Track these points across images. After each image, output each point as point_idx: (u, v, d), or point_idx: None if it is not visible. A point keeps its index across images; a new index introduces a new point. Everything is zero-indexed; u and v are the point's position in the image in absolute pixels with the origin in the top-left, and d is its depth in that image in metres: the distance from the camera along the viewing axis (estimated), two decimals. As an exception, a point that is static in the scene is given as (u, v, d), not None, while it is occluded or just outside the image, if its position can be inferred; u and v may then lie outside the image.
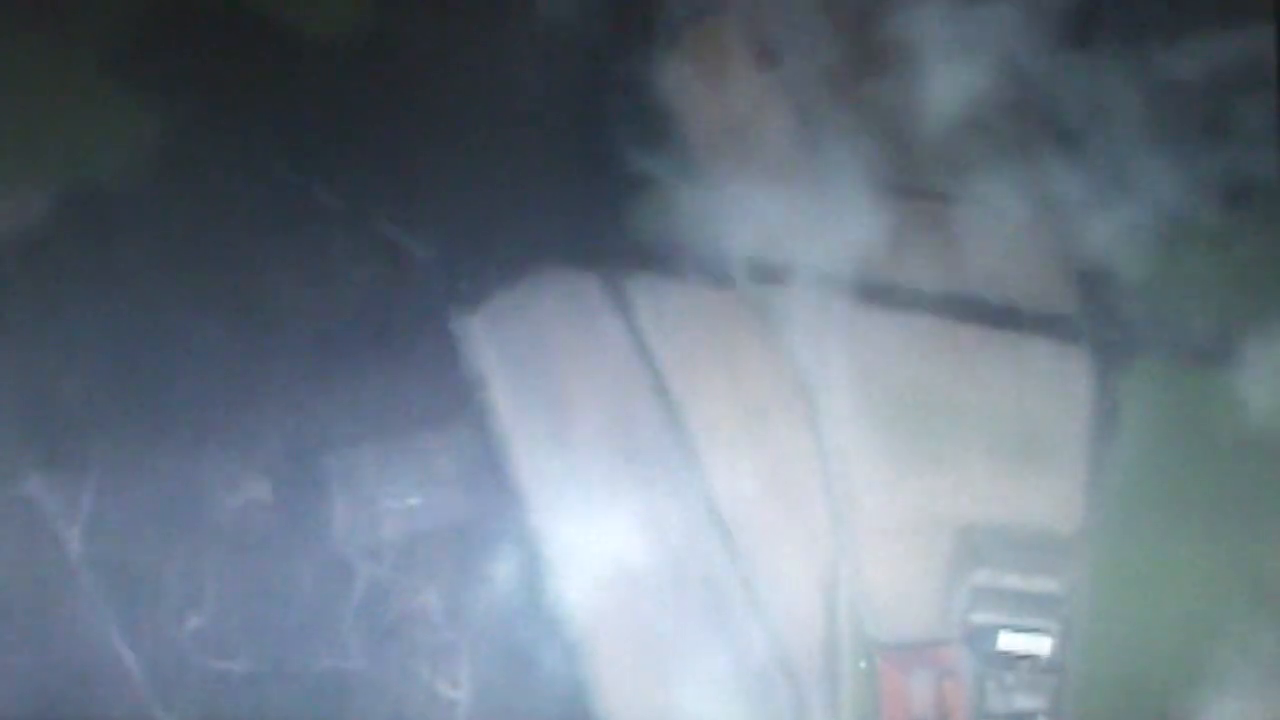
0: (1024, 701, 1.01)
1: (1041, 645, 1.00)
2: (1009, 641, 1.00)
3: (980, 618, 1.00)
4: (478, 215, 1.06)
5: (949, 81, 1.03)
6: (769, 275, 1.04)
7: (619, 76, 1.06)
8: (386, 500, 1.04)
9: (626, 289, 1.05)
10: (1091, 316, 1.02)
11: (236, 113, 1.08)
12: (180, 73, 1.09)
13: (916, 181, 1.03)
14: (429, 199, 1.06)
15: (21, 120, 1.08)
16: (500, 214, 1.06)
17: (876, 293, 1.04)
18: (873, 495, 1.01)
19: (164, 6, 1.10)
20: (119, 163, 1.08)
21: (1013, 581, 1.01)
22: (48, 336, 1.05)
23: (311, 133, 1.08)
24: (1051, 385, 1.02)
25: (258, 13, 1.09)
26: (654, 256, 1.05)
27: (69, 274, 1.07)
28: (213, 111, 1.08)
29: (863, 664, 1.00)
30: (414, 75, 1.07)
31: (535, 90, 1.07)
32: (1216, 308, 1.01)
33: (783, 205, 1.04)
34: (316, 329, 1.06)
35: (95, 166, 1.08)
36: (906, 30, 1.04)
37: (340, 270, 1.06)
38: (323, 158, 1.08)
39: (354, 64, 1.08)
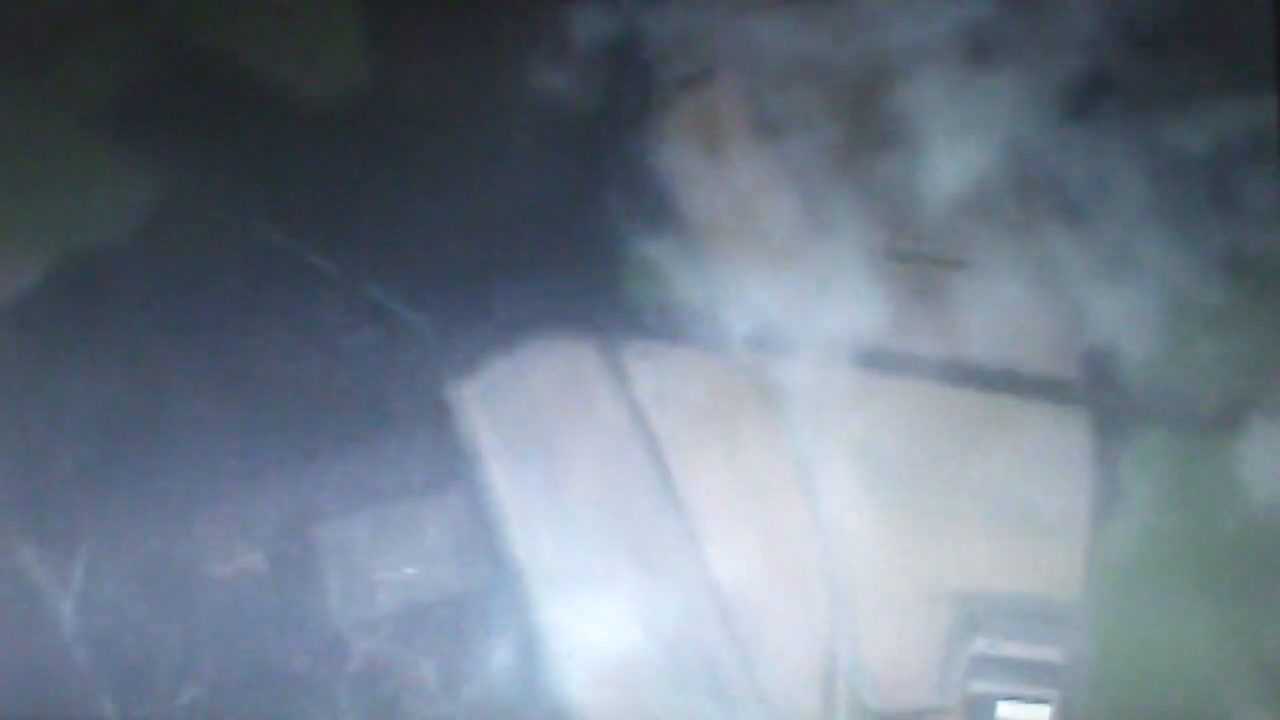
0: (1024, 771, 1.00)
1: (1041, 715, 1.00)
2: (1008, 711, 1.00)
3: (979, 687, 1.00)
4: (472, 282, 1.05)
5: (951, 157, 1.01)
6: (768, 345, 1.03)
7: (614, 144, 1.05)
8: (381, 572, 1.03)
9: (623, 358, 1.04)
10: (1093, 385, 1.01)
11: (227, 175, 1.07)
12: (171, 134, 1.07)
13: (918, 253, 1.01)
14: (423, 265, 1.05)
15: (9, 185, 1.06)
16: (495, 281, 1.05)
17: (876, 362, 1.02)
18: (871, 566, 1.00)
19: (154, 67, 1.08)
20: (109, 229, 1.06)
21: (1012, 651, 1.00)
22: (38, 406, 1.04)
23: (303, 196, 1.06)
24: (1052, 454, 1.01)
25: (250, 74, 1.08)
26: (651, 325, 1.04)
27: (59, 344, 1.05)
28: (203, 174, 1.07)
29: (862, 736, 1.00)
30: (408, 139, 1.06)
31: (531, 157, 1.05)
32: (1221, 384, 1.00)
33: (782, 276, 1.03)
34: (308, 397, 1.04)
35: (85, 233, 1.06)
36: (908, 107, 1.02)
37: (333, 337, 1.05)
38: (315, 221, 1.06)
39: (347, 127, 1.07)
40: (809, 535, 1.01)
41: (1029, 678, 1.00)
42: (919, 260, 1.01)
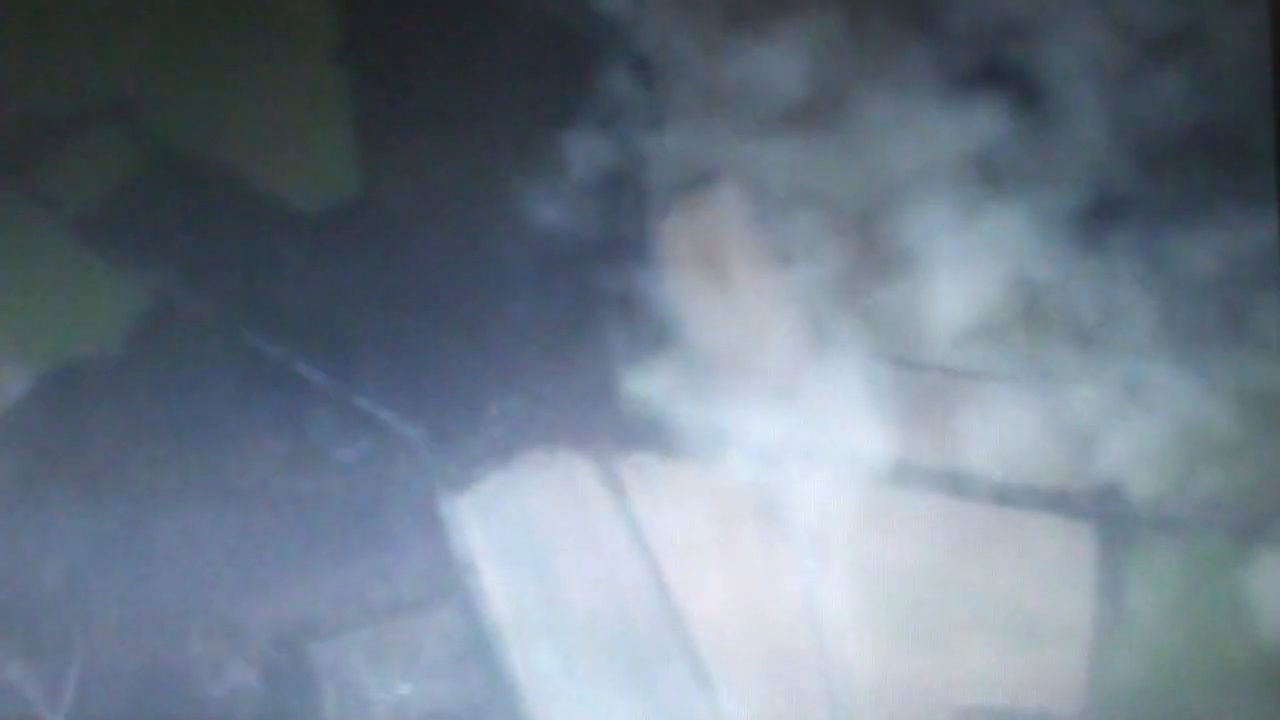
0: None
1: (1042, 829, 0.99)
2: (1009, 825, 0.99)
3: (981, 801, 0.99)
4: (467, 394, 1.04)
5: (957, 283, 1.00)
6: (769, 459, 1.01)
7: (613, 270, 1.03)
8: (375, 689, 1.02)
9: (620, 471, 1.02)
10: (1099, 500, 1.00)
11: (218, 283, 1.05)
12: (161, 241, 1.06)
13: (923, 372, 1.00)
14: (417, 376, 1.04)
15: (-4, 294, 1.06)
16: (490, 393, 1.03)
17: (880, 476, 1.01)
18: (873, 682, 0.99)
19: (144, 172, 1.07)
20: (98, 337, 1.05)
21: (1014, 765, 0.99)
22: (27, 519, 1.03)
23: (295, 305, 1.05)
24: (1057, 567, 1.00)
25: (241, 181, 1.06)
26: (649, 439, 1.02)
27: (49, 453, 1.04)
28: (194, 281, 1.06)
29: None
30: (400, 250, 1.05)
31: (526, 273, 1.04)
32: (1228, 512, 0.99)
33: (785, 396, 1.02)
34: (301, 510, 1.03)
35: (74, 341, 1.05)
36: (914, 232, 1.00)
37: (326, 448, 1.04)
38: (306, 331, 1.05)
39: (339, 237, 1.05)
40: (811, 652, 1.00)
41: (1031, 792, 0.99)
42: (924, 377, 0.99)
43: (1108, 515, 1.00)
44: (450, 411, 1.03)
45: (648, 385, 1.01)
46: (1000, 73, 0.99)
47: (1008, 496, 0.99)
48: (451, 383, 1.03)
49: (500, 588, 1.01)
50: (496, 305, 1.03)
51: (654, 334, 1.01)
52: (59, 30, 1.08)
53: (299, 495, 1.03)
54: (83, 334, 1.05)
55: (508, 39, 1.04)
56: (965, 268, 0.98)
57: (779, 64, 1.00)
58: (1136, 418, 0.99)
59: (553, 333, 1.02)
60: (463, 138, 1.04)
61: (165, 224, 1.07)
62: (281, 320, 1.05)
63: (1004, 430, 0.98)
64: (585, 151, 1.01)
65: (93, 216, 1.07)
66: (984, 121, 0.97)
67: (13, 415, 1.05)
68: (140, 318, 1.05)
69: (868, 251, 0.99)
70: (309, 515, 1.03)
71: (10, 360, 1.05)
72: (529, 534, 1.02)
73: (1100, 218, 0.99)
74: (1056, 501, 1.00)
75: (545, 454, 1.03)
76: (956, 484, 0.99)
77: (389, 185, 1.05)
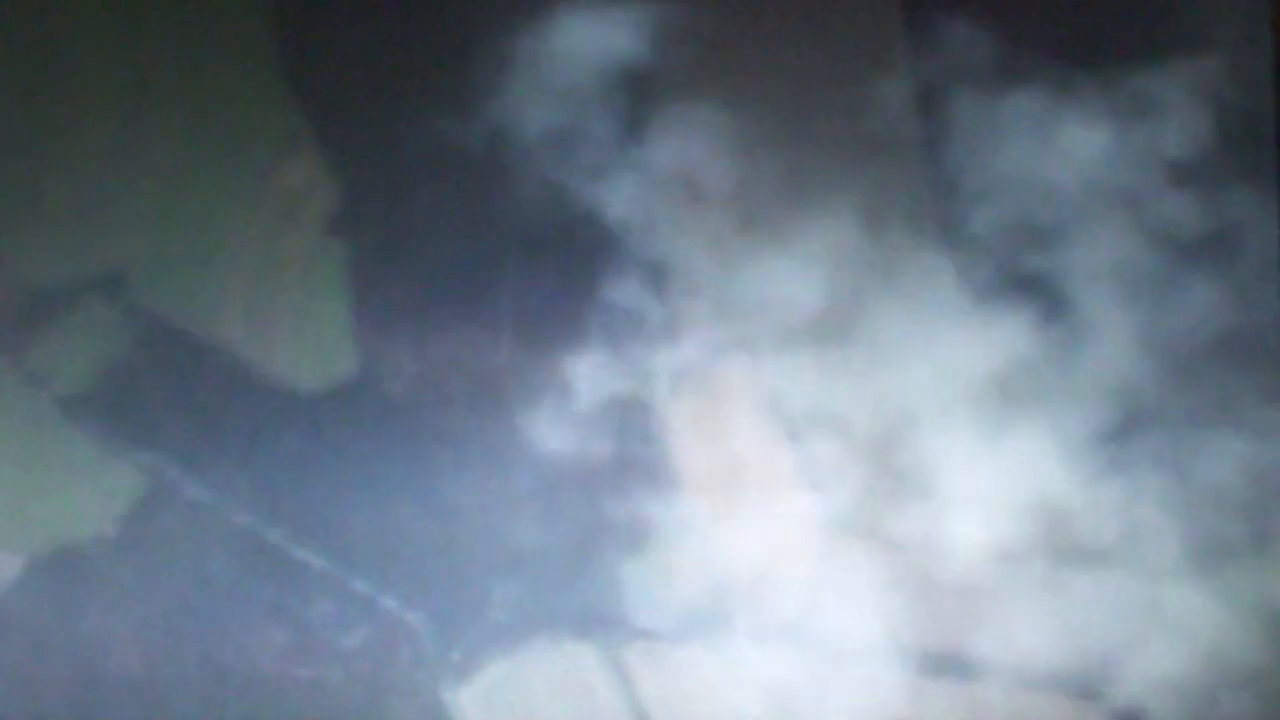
0: None
1: None
2: None
3: None
4: (469, 580, 1.02)
5: (976, 512, 0.99)
6: (777, 642, 1.01)
7: (618, 491, 1.02)
8: None
9: (626, 660, 1.01)
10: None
11: (213, 466, 1.03)
12: (154, 422, 1.04)
13: (939, 603, 1.00)
14: (418, 561, 1.02)
15: (-15, 480, 1.03)
16: (493, 578, 1.02)
17: (892, 662, 1.01)
18: None
19: (135, 351, 1.05)
20: (90, 520, 1.03)
21: None
22: (20, 711, 1.01)
23: (293, 488, 1.03)
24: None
25: (236, 362, 1.04)
26: (654, 625, 1.01)
27: (40, 640, 1.02)
28: (188, 464, 1.03)
29: None
30: (400, 433, 1.03)
31: (527, 451, 1.03)
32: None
33: (800, 616, 1.01)
34: (301, 698, 1.02)
35: (65, 524, 1.03)
36: (932, 460, 1.00)
37: (324, 635, 1.02)
38: (305, 515, 1.03)
39: (338, 419, 1.04)
40: None
41: None
42: (941, 599, 0.98)
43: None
44: (453, 598, 1.02)
45: (657, 606, 1.00)
46: (1022, 283, 0.98)
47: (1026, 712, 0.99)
48: (454, 569, 1.02)
49: (504, 779, 1.00)
50: (500, 494, 1.02)
51: (663, 562, 1.00)
52: (50, 199, 1.06)
53: (298, 684, 1.02)
54: (74, 517, 1.03)
55: (512, 229, 1.03)
56: (984, 490, 0.98)
57: (794, 274, 0.98)
58: (1158, 642, 0.98)
59: (553, 507, 1.01)
60: (464, 327, 1.03)
61: (159, 403, 1.04)
62: (279, 504, 1.03)
63: (1022, 655, 0.98)
64: (592, 371, 1.00)
65: (83, 394, 1.04)
66: (1005, 337, 0.97)
67: (3, 600, 1.02)
68: (134, 500, 1.03)
69: (885, 473, 0.98)
70: (308, 704, 1.02)
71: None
72: (533, 723, 1.01)
73: (1123, 435, 0.98)
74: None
75: (550, 642, 1.01)
76: (972, 709, 0.99)
77: (389, 368, 1.03)
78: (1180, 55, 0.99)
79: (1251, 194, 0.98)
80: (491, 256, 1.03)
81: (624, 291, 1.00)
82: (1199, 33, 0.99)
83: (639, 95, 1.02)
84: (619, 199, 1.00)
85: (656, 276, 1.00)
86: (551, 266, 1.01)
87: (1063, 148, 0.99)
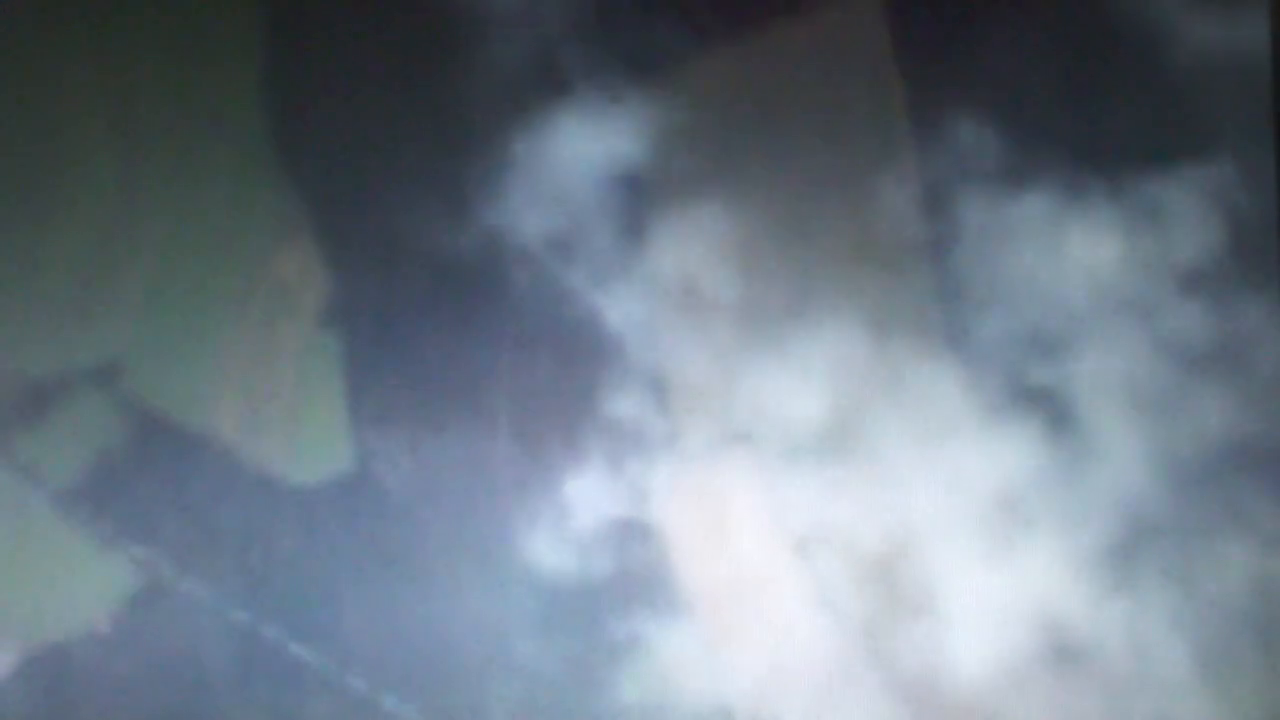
0: None
1: None
2: None
3: None
4: (467, 680, 1.01)
5: (981, 632, 0.98)
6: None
7: (620, 615, 1.01)
8: None
9: (624, 763, 1.01)
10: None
11: (208, 561, 1.02)
12: (148, 516, 1.03)
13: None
14: (416, 660, 1.01)
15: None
16: (490, 675, 1.01)
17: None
18: None
19: (129, 443, 1.03)
20: (84, 615, 1.02)
21: None
22: (13, 809, 1.01)
23: (288, 584, 1.02)
24: None
25: (230, 455, 1.03)
26: (648, 716, 1.00)
27: (32, 739, 1.01)
28: (182, 559, 1.02)
29: None
30: (398, 528, 1.02)
31: (525, 555, 1.02)
32: None
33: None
34: (297, 799, 1.01)
35: (59, 619, 1.02)
36: (938, 579, 0.98)
37: (321, 733, 1.02)
38: (301, 612, 1.02)
39: (334, 514, 1.02)
40: None
41: None
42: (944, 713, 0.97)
43: None
44: (451, 698, 1.01)
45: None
46: (1029, 395, 0.97)
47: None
48: (452, 668, 1.01)
49: None
50: (498, 589, 1.01)
51: (664, 676, 0.99)
52: (41, 289, 1.04)
53: (294, 783, 1.01)
54: (67, 613, 1.02)
55: (508, 334, 1.01)
56: (990, 606, 0.96)
57: (797, 385, 0.97)
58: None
59: (551, 603, 1.00)
60: (461, 425, 1.01)
61: (152, 496, 1.03)
62: (275, 600, 1.02)
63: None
64: (591, 487, 0.98)
65: (76, 487, 1.03)
66: (1012, 451, 0.95)
67: (-4, 698, 1.02)
68: (127, 596, 1.02)
69: (890, 589, 0.97)
70: (305, 805, 1.01)
71: (-10, 641, 1.02)
72: (531, 822, 1.00)
73: (1131, 550, 0.97)
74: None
75: (547, 743, 1.01)
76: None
77: (385, 464, 1.02)
78: (1190, 160, 0.97)
79: (1262, 302, 0.96)
80: (488, 357, 1.02)
81: (623, 402, 0.98)
82: (1208, 137, 0.97)
83: (639, 198, 1.00)
84: (618, 305, 0.98)
85: (656, 386, 0.99)
86: (549, 375, 1.00)
87: (1071, 255, 0.97)
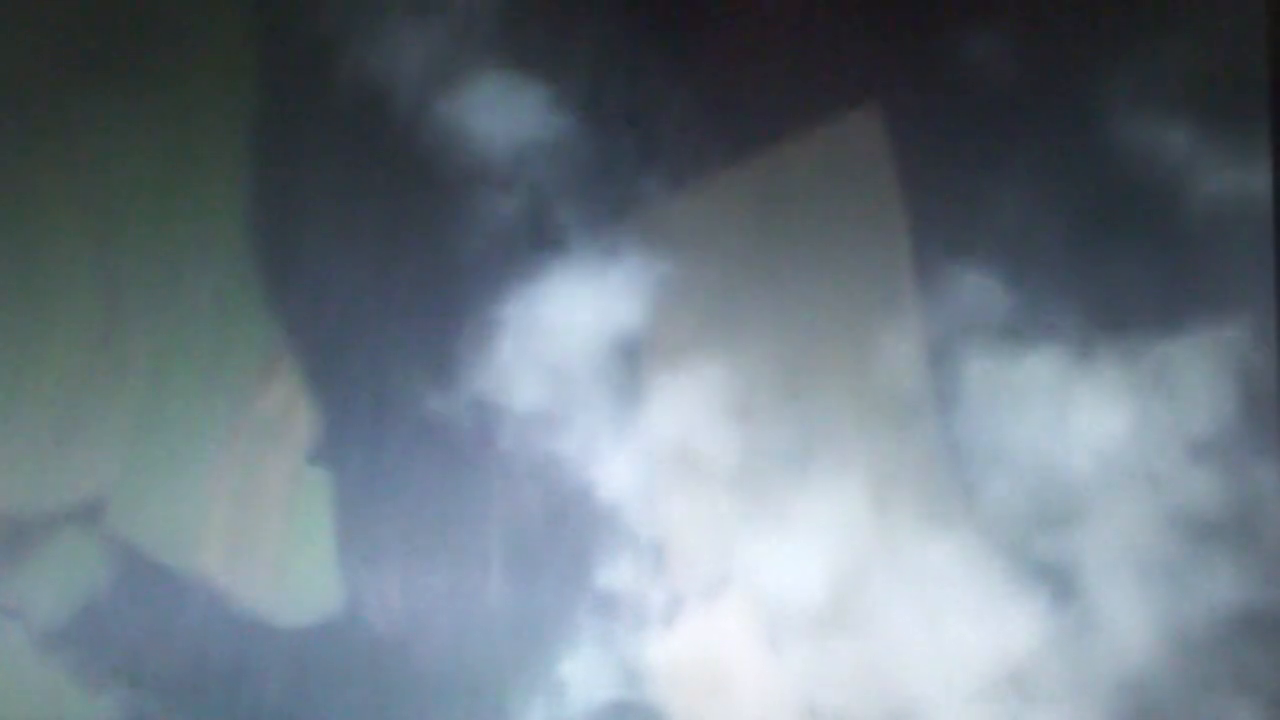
0: None
1: None
2: None
3: None
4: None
5: None
6: None
7: None
8: None
9: None
10: None
11: (195, 704, 1.01)
12: (133, 659, 1.01)
13: None
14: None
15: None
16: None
17: None
18: None
19: (113, 584, 1.02)
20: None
21: None
22: None
23: (279, 723, 1.01)
24: None
25: (217, 596, 1.01)
26: None
27: None
28: (168, 702, 1.01)
29: None
30: (389, 670, 1.00)
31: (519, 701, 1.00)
32: None
33: None
34: None
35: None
36: None
37: None
38: (292, 754, 1.01)
39: (323, 656, 1.01)
40: None
41: None
42: None
43: None
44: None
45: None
46: (1034, 567, 0.94)
47: None
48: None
49: None
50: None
51: None
52: (22, 427, 1.02)
53: None
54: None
55: (499, 501, 0.99)
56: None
57: (797, 556, 0.95)
58: None
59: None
60: (450, 565, 0.99)
61: (138, 637, 1.02)
62: (265, 743, 1.01)
63: None
64: (585, 671, 0.96)
65: (61, 628, 1.02)
66: (1015, 625, 0.93)
67: None
68: (111, 743, 1.01)
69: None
70: None
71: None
72: None
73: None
74: None
75: None
76: None
77: (375, 604, 1.00)
78: (1200, 320, 0.94)
79: (1271, 467, 0.93)
80: (479, 509, 1.00)
81: (618, 574, 0.96)
82: (1219, 296, 0.94)
83: (634, 361, 0.97)
84: (613, 474, 0.96)
85: (652, 558, 0.96)
86: (542, 549, 0.98)
87: (1079, 421, 0.94)
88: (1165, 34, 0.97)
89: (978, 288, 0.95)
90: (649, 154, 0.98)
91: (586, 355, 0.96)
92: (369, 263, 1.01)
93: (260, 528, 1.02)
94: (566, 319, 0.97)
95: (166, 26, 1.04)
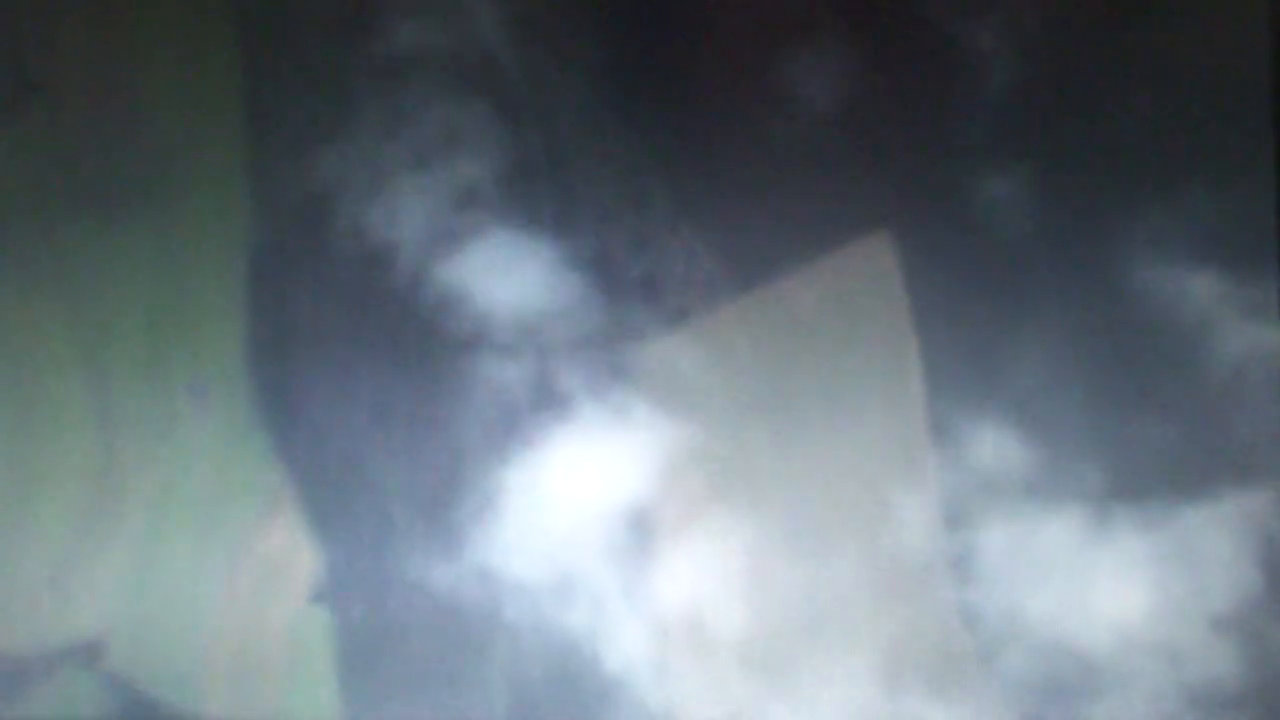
0: None
1: None
2: None
3: None
4: None
5: None
6: None
7: None
8: None
9: None
10: None
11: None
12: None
13: None
14: None
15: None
16: None
17: None
18: None
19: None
20: None
21: None
22: None
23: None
24: None
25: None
26: None
27: None
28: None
29: None
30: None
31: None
32: None
33: None
34: None
35: None
36: None
37: None
38: None
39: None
40: None
41: None
42: None
43: None
44: None
45: None
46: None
47: None
48: None
49: None
50: None
51: None
52: (22, 567, 1.01)
53: None
54: None
55: (505, 675, 0.98)
56: None
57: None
58: None
59: None
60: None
61: None
62: None
63: None
64: None
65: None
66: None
67: None
68: None
69: None
70: None
71: None
72: None
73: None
74: None
75: None
76: None
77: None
78: (1224, 488, 0.93)
79: (1292, 634, 0.92)
80: (485, 673, 0.99)
81: (625, 745, 0.95)
82: (1244, 464, 0.92)
83: (642, 528, 0.96)
84: (621, 645, 0.94)
85: (661, 727, 0.95)
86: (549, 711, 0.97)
87: (1097, 590, 0.92)
88: (1183, 183, 0.95)
89: (993, 448, 0.93)
90: (654, 291, 0.96)
91: (592, 527, 0.94)
92: (369, 409, 0.99)
93: (263, 670, 1.01)
94: (571, 488, 0.95)
95: (162, 162, 1.02)
